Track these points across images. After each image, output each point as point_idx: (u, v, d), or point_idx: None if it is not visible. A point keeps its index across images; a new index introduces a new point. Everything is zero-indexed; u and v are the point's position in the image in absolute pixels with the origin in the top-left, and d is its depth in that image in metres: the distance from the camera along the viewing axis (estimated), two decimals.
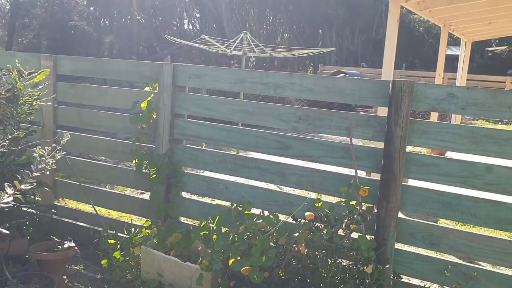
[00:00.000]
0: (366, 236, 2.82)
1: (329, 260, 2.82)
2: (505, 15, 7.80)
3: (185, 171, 3.87)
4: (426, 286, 2.94)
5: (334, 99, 3.22)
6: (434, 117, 9.63)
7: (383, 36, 6.27)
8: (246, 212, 3.33)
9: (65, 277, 3.61)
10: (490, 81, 20.11)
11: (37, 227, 4.23)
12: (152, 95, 3.82)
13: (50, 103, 4.19)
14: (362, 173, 3.15)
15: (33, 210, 4.40)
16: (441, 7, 6.49)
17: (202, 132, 3.71)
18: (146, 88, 3.89)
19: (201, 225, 3.29)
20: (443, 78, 10.92)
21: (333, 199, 3.15)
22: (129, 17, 28.75)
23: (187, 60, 26.04)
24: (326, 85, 3.21)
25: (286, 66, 32.21)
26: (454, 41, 25.26)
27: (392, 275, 3.03)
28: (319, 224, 2.86)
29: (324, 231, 2.84)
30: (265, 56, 10.39)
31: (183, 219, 3.99)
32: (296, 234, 2.90)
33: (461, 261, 2.99)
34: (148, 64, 3.89)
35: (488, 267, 3.06)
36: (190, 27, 33.38)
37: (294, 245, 2.84)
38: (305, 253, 2.80)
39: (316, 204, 3.14)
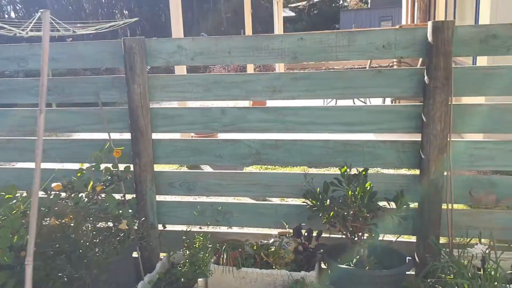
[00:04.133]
0: (113, 195, 2.87)
1: (87, 224, 2.83)
2: None
3: None
4: (188, 229, 3.11)
5: (77, 65, 3.17)
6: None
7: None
8: (7, 196, 3.16)
9: None
10: None
11: None
12: None
13: None
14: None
15: None
16: None
17: None
18: None
19: None
20: None
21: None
22: None
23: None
24: (67, 52, 3.14)
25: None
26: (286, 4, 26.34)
27: (158, 226, 3.17)
28: (70, 193, 2.83)
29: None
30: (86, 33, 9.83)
31: None
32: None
33: (217, 200, 3.22)
34: None
35: (243, 200, 3.33)
36: None
37: (47, 218, 2.79)
38: (57, 224, 2.77)
39: (78, 174, 3.11)
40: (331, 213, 2.63)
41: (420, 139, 2.71)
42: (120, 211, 2.83)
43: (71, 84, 3.17)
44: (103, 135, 3.15)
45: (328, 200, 2.63)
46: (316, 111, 2.86)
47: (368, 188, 2.46)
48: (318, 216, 2.72)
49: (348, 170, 2.61)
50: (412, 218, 2.84)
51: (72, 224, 2.69)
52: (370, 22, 30.93)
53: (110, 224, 2.90)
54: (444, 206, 2.76)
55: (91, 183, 2.82)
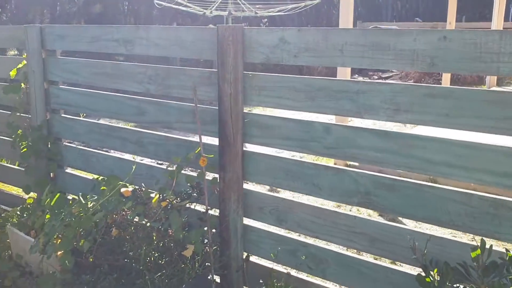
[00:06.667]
0: (176, 214, 2.38)
1: (152, 242, 2.43)
2: None
3: (65, 143, 3.56)
4: (275, 268, 2.49)
5: (177, 53, 2.76)
6: None
7: None
8: (102, 188, 2.98)
9: None
10: None
11: None
12: (25, 61, 3.51)
13: None
14: None
15: None
16: None
17: (72, 99, 3.37)
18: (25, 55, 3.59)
19: (49, 204, 2.99)
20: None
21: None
22: None
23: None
24: (169, 37, 2.74)
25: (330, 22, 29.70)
26: None
27: (244, 254, 2.61)
28: (135, 203, 2.46)
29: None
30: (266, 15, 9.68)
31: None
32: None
33: (311, 241, 2.49)
34: (19, 28, 3.56)
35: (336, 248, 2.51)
36: None
37: (104, 227, 2.47)
38: (117, 235, 2.42)
39: (170, 177, 2.73)
40: None
41: None
42: (184, 234, 2.34)
43: (170, 74, 2.77)
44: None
45: None
46: (456, 147, 1.90)
47: None
48: None
49: (485, 252, 1.63)
50: None
51: (129, 239, 2.31)
52: None
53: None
54: None
55: (156, 196, 2.39)
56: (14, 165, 4.10)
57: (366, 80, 2.15)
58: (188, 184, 2.58)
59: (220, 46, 2.40)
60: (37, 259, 2.97)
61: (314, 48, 2.19)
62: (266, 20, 12.75)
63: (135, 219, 2.39)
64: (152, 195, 2.57)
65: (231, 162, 2.50)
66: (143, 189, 2.52)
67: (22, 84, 3.49)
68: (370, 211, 3.66)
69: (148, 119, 2.96)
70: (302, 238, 2.51)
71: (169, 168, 2.69)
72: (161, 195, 2.40)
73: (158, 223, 2.33)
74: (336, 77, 5.42)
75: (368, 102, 2.08)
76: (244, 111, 2.47)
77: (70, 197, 3.60)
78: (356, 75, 14.68)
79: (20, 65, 3.50)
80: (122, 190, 2.51)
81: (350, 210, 3.59)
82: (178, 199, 2.46)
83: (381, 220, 2.23)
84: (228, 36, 2.36)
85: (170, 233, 2.37)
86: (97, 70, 3.16)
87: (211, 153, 2.60)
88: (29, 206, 3.36)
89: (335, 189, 2.26)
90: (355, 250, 2.44)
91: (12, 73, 3.49)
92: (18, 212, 3.30)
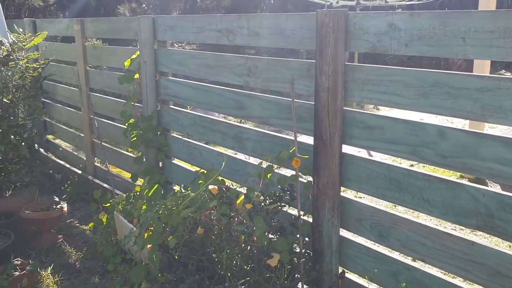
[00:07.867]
0: (260, 219, 2.15)
1: (236, 246, 2.26)
2: None
3: (173, 134, 3.56)
4: None
5: (276, 43, 2.53)
6: None
7: None
8: (200, 182, 2.90)
9: (60, 236, 3.73)
10: None
11: (75, 187, 4.49)
12: (138, 52, 3.58)
13: (82, 66, 4.36)
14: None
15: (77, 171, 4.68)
16: None
17: (179, 91, 3.35)
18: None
19: (147, 194, 2.99)
20: None
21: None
22: None
23: None
24: (269, 26, 2.54)
25: None
26: None
27: (339, 269, 2.33)
28: (221, 202, 2.30)
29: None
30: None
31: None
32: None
33: (417, 264, 2.10)
34: (134, 19, 3.65)
35: (456, 281, 2.07)
36: None
37: (188, 225, 2.35)
38: (202, 235, 2.29)
39: (257, 177, 2.53)
40: None
41: None
42: (270, 241, 2.13)
43: (269, 66, 2.57)
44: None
45: None
46: None
47: None
48: None
49: None
50: None
51: (213, 240, 2.17)
52: None
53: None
54: None
55: (242, 197, 2.21)
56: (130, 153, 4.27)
57: (493, 75, 1.71)
58: (279, 186, 2.36)
59: (318, 34, 2.13)
60: (136, 248, 3.00)
61: (430, 36, 1.81)
62: (400, 10, 11.91)
63: (220, 219, 2.23)
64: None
65: (326, 165, 2.22)
66: (231, 187, 2.36)
67: (136, 74, 3.56)
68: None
69: (245, 114, 2.80)
70: (405, 260, 2.14)
71: (261, 166, 2.50)
72: (248, 196, 2.22)
73: (243, 226, 2.14)
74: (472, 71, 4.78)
75: (495, 103, 1.66)
76: (345, 108, 2.17)
77: (176, 187, 3.63)
78: (503, 71, 13.13)
79: (134, 56, 3.58)
80: (210, 187, 2.38)
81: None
82: (267, 201, 2.26)
83: (506, 250, 1.78)
84: (328, 23, 2.07)
85: (254, 238, 2.17)
86: (200, 62, 3.08)
87: (307, 153, 2.35)
88: (136, 194, 3.43)
89: (449, 207, 1.86)
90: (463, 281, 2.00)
91: (126, 63, 3.58)
92: (124, 199, 3.38)
